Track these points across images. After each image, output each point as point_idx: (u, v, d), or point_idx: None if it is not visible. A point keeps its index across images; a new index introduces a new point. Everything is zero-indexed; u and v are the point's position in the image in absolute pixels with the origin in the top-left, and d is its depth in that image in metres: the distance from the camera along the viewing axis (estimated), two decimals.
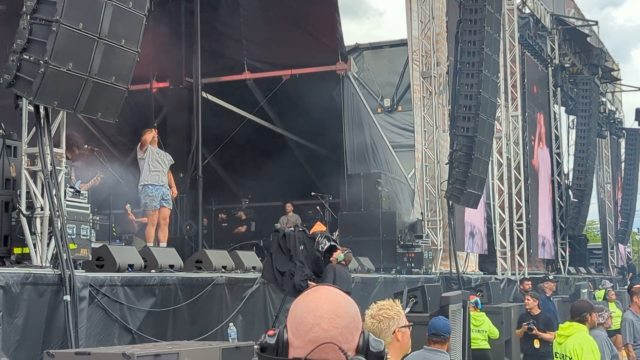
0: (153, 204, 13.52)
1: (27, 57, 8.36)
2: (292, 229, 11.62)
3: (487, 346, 12.94)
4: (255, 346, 2.13)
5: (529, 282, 18.40)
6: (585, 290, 19.99)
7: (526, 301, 13.71)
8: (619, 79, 40.42)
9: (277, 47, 21.12)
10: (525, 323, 13.13)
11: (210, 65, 20.61)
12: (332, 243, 11.54)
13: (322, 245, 11.23)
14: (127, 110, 11.42)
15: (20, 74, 8.39)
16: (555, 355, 8.08)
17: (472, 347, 11.38)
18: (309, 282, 10.83)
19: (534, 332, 12.94)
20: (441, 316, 7.94)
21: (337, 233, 17.55)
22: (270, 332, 2.12)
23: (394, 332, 4.41)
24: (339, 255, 11.30)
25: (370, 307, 4.52)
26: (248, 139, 22.01)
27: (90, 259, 9.53)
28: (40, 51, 8.33)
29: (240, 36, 21.59)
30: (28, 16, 8.43)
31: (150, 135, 13.86)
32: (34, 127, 8.83)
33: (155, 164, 13.66)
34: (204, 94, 20.39)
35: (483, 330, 12.83)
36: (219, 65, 21.35)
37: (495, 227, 23.61)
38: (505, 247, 23.62)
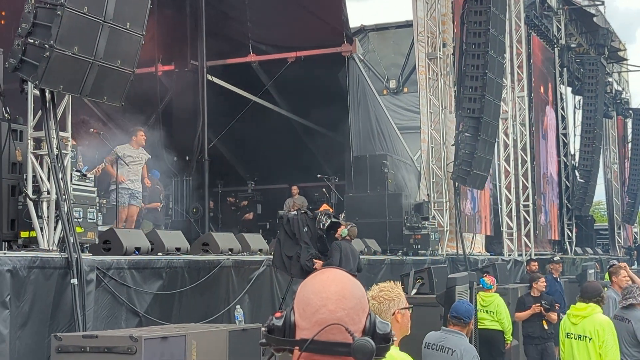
0: (121, 201, 13.73)
1: (32, 41, 8.35)
2: (295, 212, 11.60)
3: (496, 327, 12.71)
4: (263, 328, 2.13)
5: (536, 263, 18.36)
6: (592, 271, 19.92)
7: (543, 283, 13.41)
8: (626, 59, 40.19)
9: (282, 29, 21.06)
10: (537, 305, 12.90)
11: (215, 48, 20.57)
12: (333, 220, 11.49)
13: (323, 222, 11.18)
14: (132, 93, 11.36)
15: (26, 58, 8.38)
16: (568, 335, 8.02)
17: (479, 327, 11.39)
18: (314, 260, 10.82)
19: (547, 312, 12.75)
20: (465, 300, 7.98)
21: (343, 215, 17.54)
22: (278, 314, 2.13)
23: (394, 313, 4.45)
24: (342, 231, 11.24)
25: (371, 289, 4.55)
26: (254, 122, 21.97)
27: (97, 242, 9.54)
28: (45, 35, 8.31)
29: (245, 18, 21.53)
30: (33, 0, 8.42)
31: (141, 139, 14.17)
32: (40, 111, 8.83)
33: (132, 167, 13.94)
34: (209, 77, 20.35)
35: (490, 310, 12.67)
36: (224, 48, 21.30)
37: (501, 208, 23.58)
38: (511, 228, 23.61)
